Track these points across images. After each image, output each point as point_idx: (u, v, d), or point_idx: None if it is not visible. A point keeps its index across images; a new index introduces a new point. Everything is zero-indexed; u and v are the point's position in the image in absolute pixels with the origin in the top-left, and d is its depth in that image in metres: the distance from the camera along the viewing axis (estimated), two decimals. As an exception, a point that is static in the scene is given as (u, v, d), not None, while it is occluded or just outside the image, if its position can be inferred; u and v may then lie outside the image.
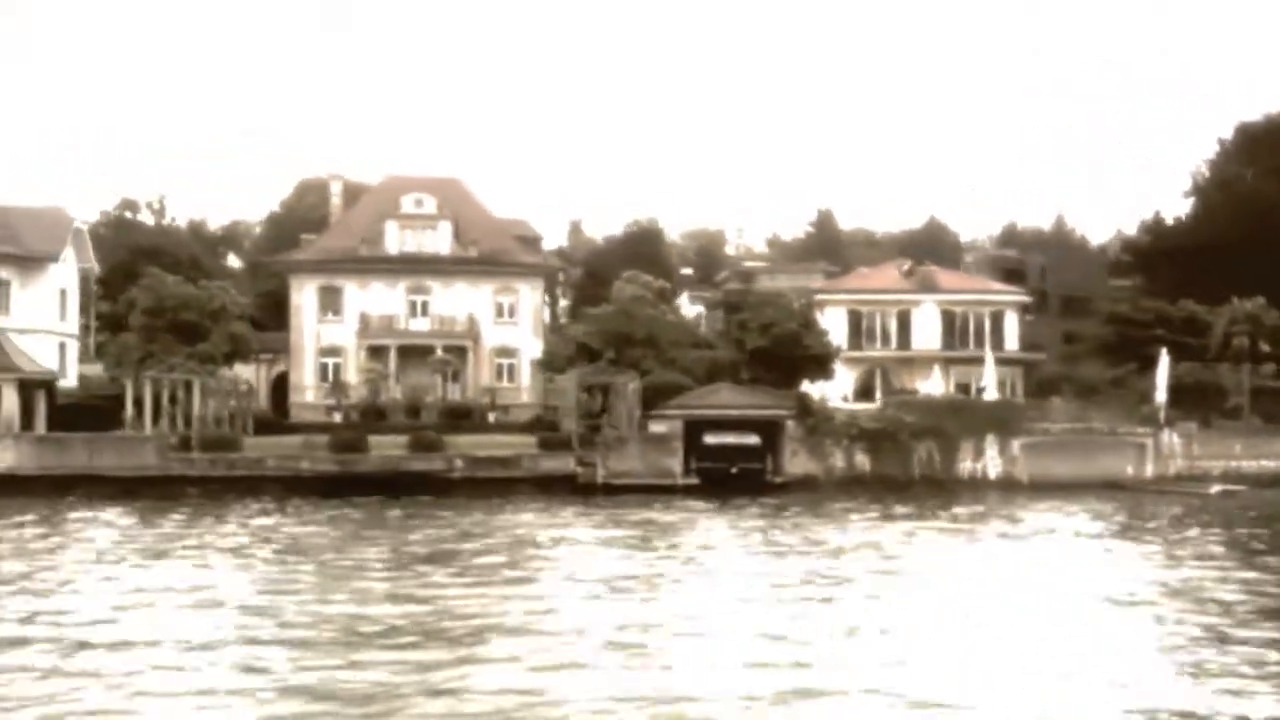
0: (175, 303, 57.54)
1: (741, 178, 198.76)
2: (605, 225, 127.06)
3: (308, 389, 67.01)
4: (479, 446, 51.27)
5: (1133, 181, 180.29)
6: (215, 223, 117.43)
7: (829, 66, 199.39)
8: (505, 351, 68.44)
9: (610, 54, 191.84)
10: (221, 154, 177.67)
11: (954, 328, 65.50)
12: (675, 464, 48.20)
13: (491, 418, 63.73)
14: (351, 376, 66.63)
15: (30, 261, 69.20)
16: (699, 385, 56.53)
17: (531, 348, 68.18)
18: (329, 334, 67.78)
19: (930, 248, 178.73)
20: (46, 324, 69.67)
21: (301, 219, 79.64)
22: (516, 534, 34.70)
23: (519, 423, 61.60)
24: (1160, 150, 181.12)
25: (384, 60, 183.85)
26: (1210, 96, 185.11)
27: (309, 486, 47.49)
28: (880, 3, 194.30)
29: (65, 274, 71.74)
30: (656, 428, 50.62)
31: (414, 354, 66.67)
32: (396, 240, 68.66)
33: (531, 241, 73.82)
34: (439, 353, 65.97)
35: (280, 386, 70.03)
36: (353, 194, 78.91)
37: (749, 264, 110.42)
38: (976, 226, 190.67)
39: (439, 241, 68.74)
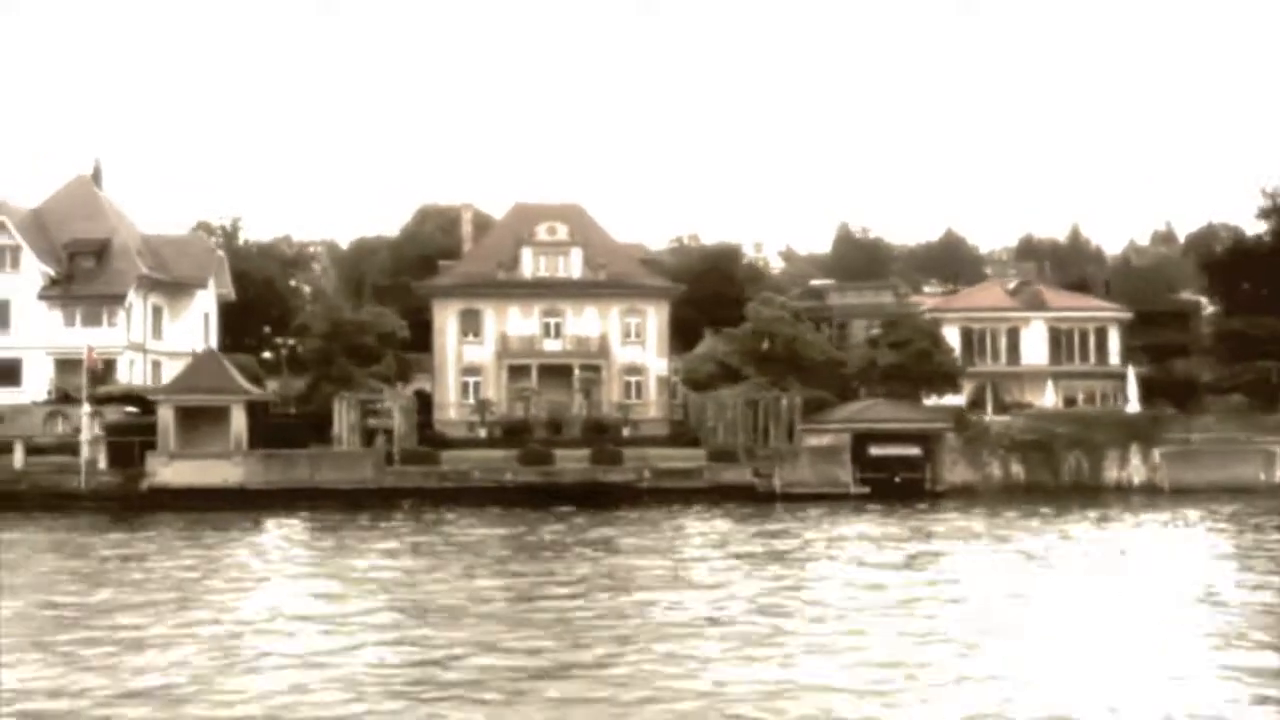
0: (351, 327, 61.69)
1: (756, 192, 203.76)
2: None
3: (450, 406, 71.03)
4: (641, 459, 55.29)
5: (1143, 193, 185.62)
6: (286, 245, 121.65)
7: (844, 82, 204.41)
8: (633, 369, 72.59)
9: (621, 71, 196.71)
10: (291, 177, 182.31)
11: (1060, 343, 69.98)
12: (844, 474, 52.53)
13: (626, 432, 67.91)
14: (491, 394, 70.70)
15: (180, 288, 73.61)
16: (838, 400, 61.06)
17: (657, 366, 72.44)
18: (470, 354, 71.86)
19: (948, 259, 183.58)
20: (192, 347, 73.92)
21: (423, 244, 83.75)
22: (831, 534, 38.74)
23: (656, 436, 65.83)
24: (1174, 162, 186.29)
25: (443, 90, 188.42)
26: (1224, 110, 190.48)
27: (512, 496, 51.70)
28: (894, 18, 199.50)
29: (208, 299, 76.04)
30: (814, 440, 54.95)
31: (550, 373, 70.81)
32: (531, 265, 72.86)
33: (652, 264, 78.04)
34: (577, 371, 70.17)
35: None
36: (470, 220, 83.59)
37: (816, 282, 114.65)
38: (993, 238, 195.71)
39: (571, 266, 72.97)
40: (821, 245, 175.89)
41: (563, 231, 73.36)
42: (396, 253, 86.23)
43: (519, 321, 72.35)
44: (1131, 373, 59.10)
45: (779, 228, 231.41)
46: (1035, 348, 70.35)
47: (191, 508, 48.27)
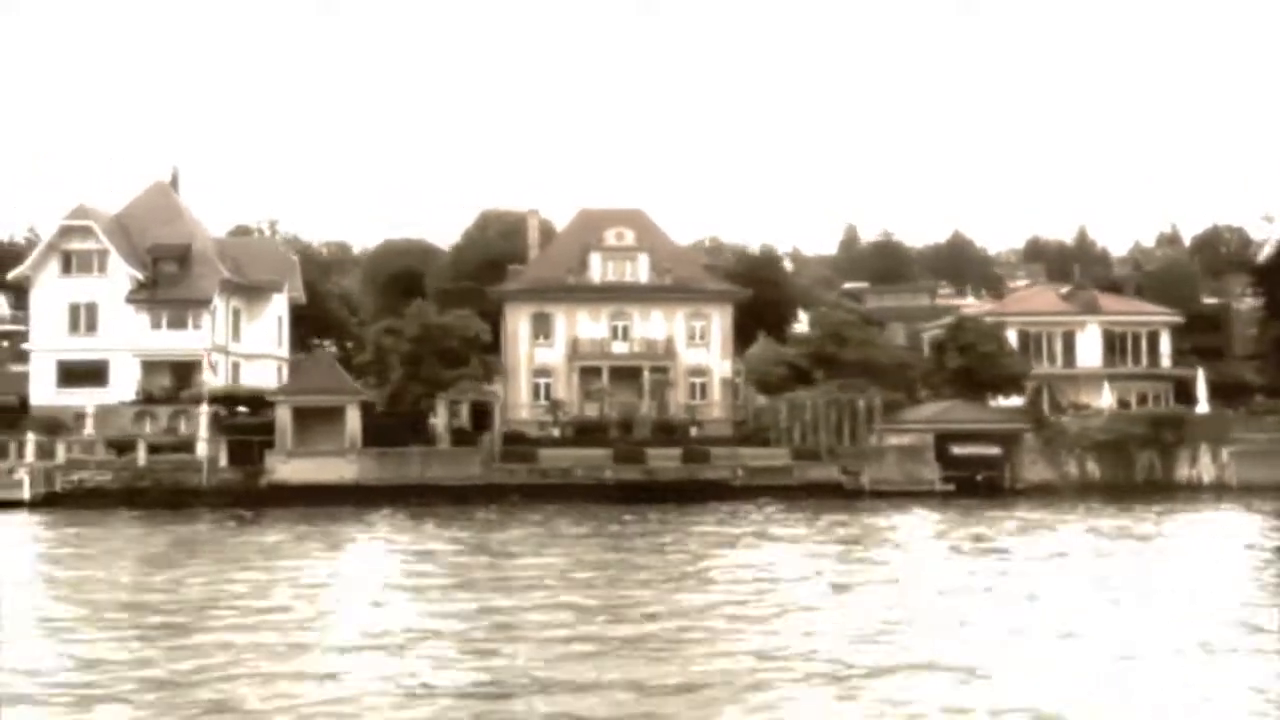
0: (439, 331, 63.84)
1: (761, 195, 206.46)
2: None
3: (522, 406, 73.22)
4: (733, 458, 57.63)
5: (1146, 195, 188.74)
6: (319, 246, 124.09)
7: (851, 84, 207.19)
8: (698, 371, 74.91)
9: (622, 72, 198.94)
10: (331, 179, 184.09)
11: (1114, 346, 72.58)
12: (929, 472, 54.94)
13: (693, 432, 70.20)
14: (562, 395, 72.90)
15: (257, 291, 75.64)
16: (909, 402, 63.47)
17: (720, 367, 74.81)
18: (540, 356, 74.14)
19: (956, 260, 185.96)
20: (268, 348, 76.12)
21: (484, 249, 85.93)
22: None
23: (722, 436, 68.08)
24: (1177, 163, 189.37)
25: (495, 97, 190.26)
26: (1226, 112, 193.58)
27: (611, 493, 53.93)
28: (901, 20, 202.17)
29: (281, 302, 78.09)
30: (894, 440, 57.38)
31: (618, 375, 73.07)
32: (600, 270, 75.15)
33: (715, 268, 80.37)
34: (647, 373, 72.48)
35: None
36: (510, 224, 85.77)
37: (850, 285, 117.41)
38: (1000, 240, 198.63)
39: (638, 271, 75.28)
40: (827, 247, 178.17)
41: (630, 237, 75.67)
42: (457, 257, 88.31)
43: (588, 325, 74.60)
44: (1201, 374, 61.67)
45: (785, 230, 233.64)
46: (1090, 351, 72.92)
47: (309, 503, 50.47)
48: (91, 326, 69.85)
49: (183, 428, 62.45)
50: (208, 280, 71.14)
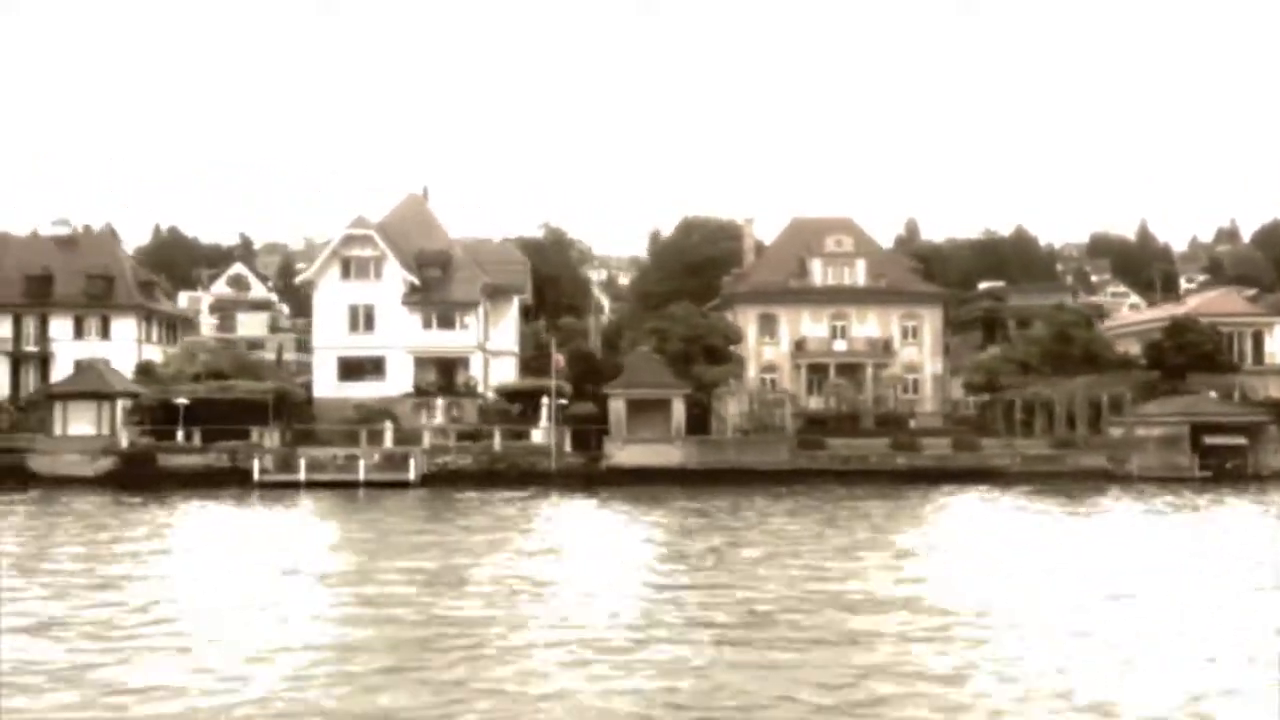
0: (704, 330, 70.28)
1: (824, 187, 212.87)
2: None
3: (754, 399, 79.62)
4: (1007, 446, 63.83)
5: (1204, 189, 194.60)
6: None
7: (914, 78, 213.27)
8: (911, 367, 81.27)
9: (696, 68, 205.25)
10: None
11: (1298, 345, 78.96)
12: (1185, 460, 61.12)
13: (912, 424, 76.51)
14: (787, 389, 79.27)
15: (503, 293, 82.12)
16: (1141, 397, 69.41)
17: (932, 364, 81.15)
18: (767, 353, 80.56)
19: (1018, 254, 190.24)
20: (509, 345, 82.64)
21: (681, 253, 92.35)
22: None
23: (937, 428, 74.37)
24: (1234, 158, 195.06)
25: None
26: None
27: (902, 478, 60.20)
28: (964, 17, 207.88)
29: (517, 303, 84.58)
30: (1142, 431, 63.52)
31: (839, 371, 79.42)
32: (820, 274, 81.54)
33: (923, 272, 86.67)
34: (870, 369, 78.87)
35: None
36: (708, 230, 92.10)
37: (988, 284, 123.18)
38: (1060, 233, 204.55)
39: (855, 275, 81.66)
40: (884, 242, 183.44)
41: (848, 244, 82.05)
42: (658, 261, 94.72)
43: (810, 325, 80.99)
44: None
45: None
46: (1277, 348, 79.20)
47: (643, 483, 56.83)
48: (369, 326, 76.31)
49: (454, 417, 69.59)
50: (471, 284, 77.61)
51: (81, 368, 61.87)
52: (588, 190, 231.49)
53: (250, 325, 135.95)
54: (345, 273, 76.80)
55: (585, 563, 32.49)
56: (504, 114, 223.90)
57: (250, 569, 30.92)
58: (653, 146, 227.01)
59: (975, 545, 36.29)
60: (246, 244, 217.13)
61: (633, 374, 59.80)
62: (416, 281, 76.51)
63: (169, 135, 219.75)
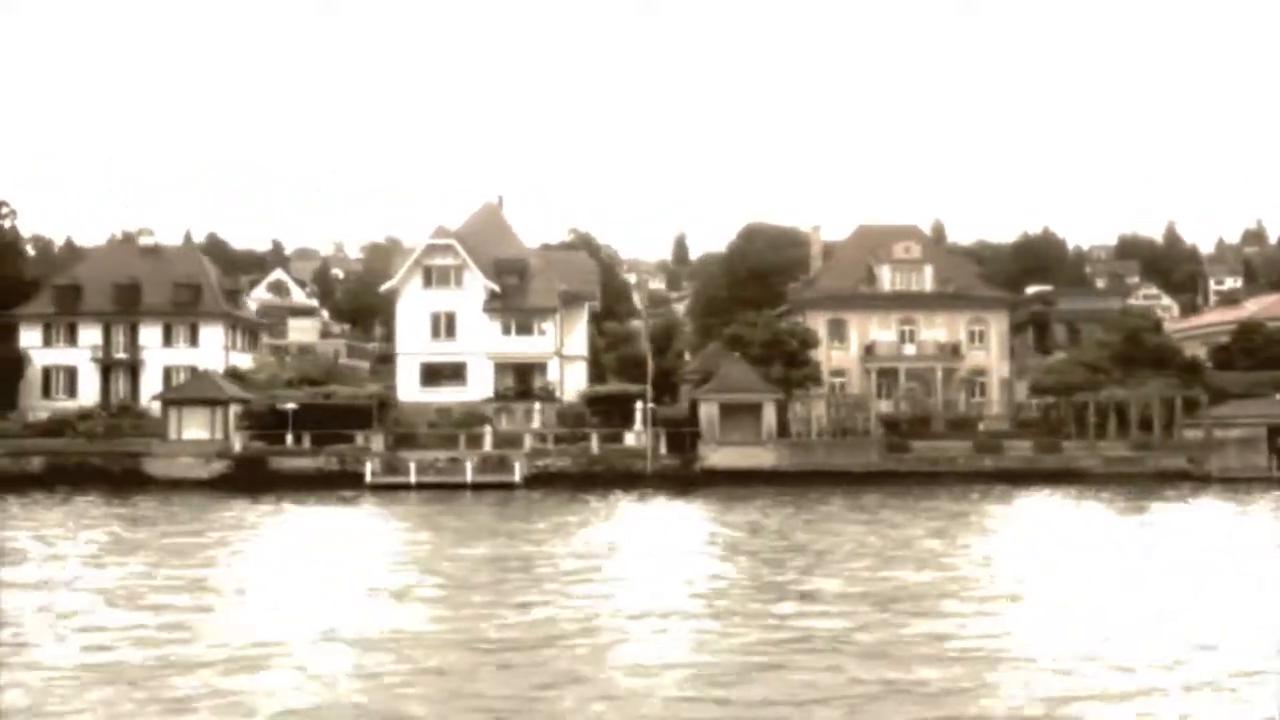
0: (784, 334, 71.89)
1: (853, 188, 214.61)
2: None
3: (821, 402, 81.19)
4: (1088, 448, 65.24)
5: (1234, 191, 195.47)
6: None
7: (939, 79, 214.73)
8: (978, 371, 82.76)
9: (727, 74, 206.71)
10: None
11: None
12: (1263, 460, 62.52)
13: (981, 427, 77.97)
14: (857, 392, 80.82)
15: (575, 300, 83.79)
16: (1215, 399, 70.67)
17: (999, 368, 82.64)
18: (835, 358, 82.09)
19: (1044, 256, 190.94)
20: (580, 350, 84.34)
21: (753, 261, 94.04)
22: None
23: (1006, 430, 75.72)
24: (1261, 159, 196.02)
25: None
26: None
27: (989, 479, 61.67)
28: (989, 18, 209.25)
29: (587, 309, 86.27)
30: (1220, 433, 64.89)
31: (911, 376, 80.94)
32: (889, 280, 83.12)
33: (987, 276, 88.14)
34: (939, 373, 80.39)
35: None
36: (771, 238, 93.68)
37: (1034, 288, 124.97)
38: (1087, 235, 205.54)
39: (923, 280, 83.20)
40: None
41: (916, 250, 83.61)
42: (725, 267, 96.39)
43: (878, 330, 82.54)
44: None
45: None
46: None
47: (737, 485, 58.44)
48: (450, 332, 78.16)
49: (536, 421, 71.43)
50: (548, 291, 79.36)
51: (198, 375, 63.76)
52: (608, 196, 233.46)
53: (301, 331, 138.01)
54: (427, 281, 78.63)
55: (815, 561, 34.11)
56: (523, 120, 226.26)
57: (438, 560, 32.72)
58: (667, 151, 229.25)
59: (1134, 547, 37.46)
60: (278, 249, 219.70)
61: (725, 379, 61.45)
62: (496, 289, 78.33)
63: (168, 136, 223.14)
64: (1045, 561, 32.75)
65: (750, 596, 27.34)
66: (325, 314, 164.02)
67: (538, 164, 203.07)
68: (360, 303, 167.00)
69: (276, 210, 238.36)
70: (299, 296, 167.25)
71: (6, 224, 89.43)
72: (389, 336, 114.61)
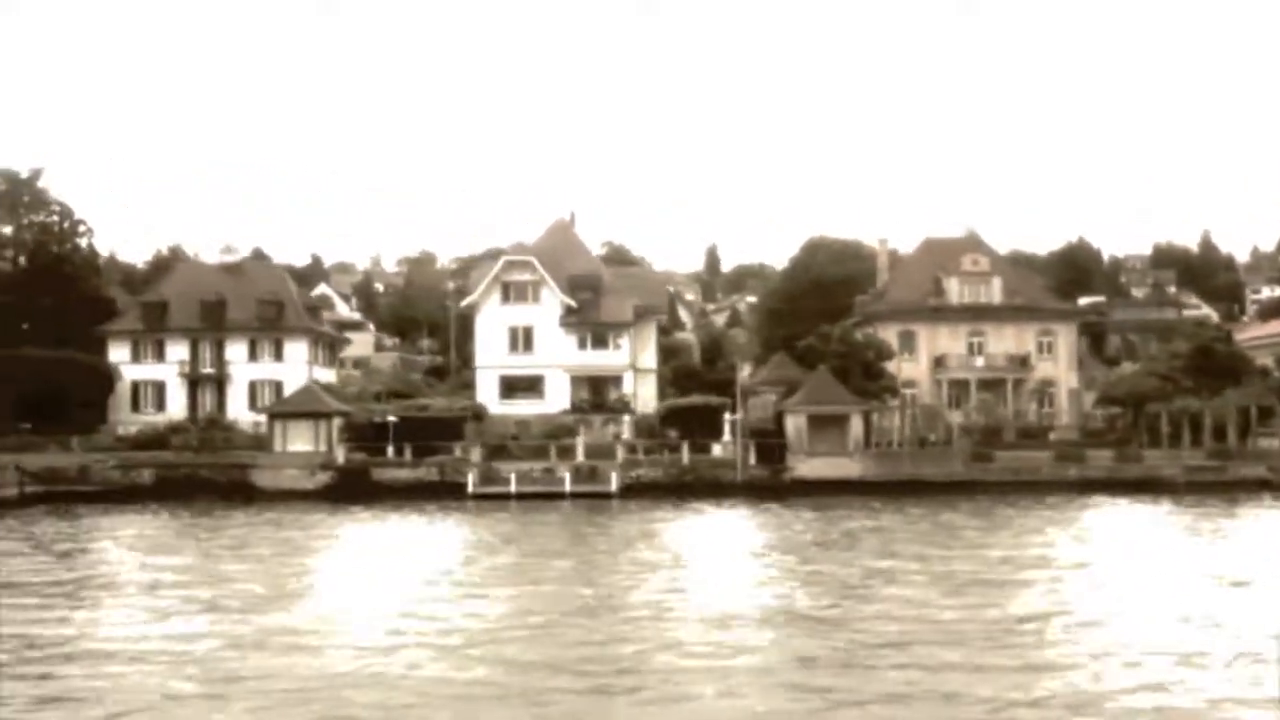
0: (860, 346, 73.07)
1: (885, 194, 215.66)
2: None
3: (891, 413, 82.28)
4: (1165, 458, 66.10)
5: (1268, 199, 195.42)
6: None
7: (969, 89, 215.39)
8: (1047, 382, 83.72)
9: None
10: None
11: None
12: (1340, 468, 63.38)
13: (1051, 437, 78.88)
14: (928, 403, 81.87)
15: (647, 315, 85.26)
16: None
17: (1068, 379, 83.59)
18: (906, 370, 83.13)
19: (1080, 265, 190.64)
20: (650, 364, 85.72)
21: (815, 273, 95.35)
22: None
23: (1076, 440, 76.57)
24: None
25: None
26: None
27: (1074, 488, 62.56)
28: (1022, 27, 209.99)
29: (655, 324, 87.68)
30: (1293, 441, 65.73)
31: (981, 387, 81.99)
32: (957, 293, 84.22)
33: (1053, 287, 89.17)
34: (1010, 385, 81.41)
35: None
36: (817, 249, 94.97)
37: (1086, 300, 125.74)
38: (1122, 245, 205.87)
39: (991, 293, 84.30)
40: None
41: (984, 263, 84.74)
42: (788, 279, 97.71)
43: (947, 341, 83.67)
44: None
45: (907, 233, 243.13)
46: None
47: (826, 494, 59.55)
48: (528, 346, 79.75)
49: (626, 432, 73.05)
50: (622, 305, 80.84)
51: (307, 389, 65.42)
52: (637, 209, 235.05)
53: (359, 345, 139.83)
54: (505, 296, 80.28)
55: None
56: (545, 133, 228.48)
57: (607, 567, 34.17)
58: (691, 162, 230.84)
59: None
60: (318, 263, 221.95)
61: (813, 391, 62.67)
62: (572, 304, 79.85)
63: (167, 137, 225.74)
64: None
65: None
66: (372, 327, 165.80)
67: (564, 177, 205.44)
68: (402, 315, 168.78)
69: (308, 224, 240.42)
70: (344, 311, 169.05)
71: (83, 242, 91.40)
72: (442, 350, 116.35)
